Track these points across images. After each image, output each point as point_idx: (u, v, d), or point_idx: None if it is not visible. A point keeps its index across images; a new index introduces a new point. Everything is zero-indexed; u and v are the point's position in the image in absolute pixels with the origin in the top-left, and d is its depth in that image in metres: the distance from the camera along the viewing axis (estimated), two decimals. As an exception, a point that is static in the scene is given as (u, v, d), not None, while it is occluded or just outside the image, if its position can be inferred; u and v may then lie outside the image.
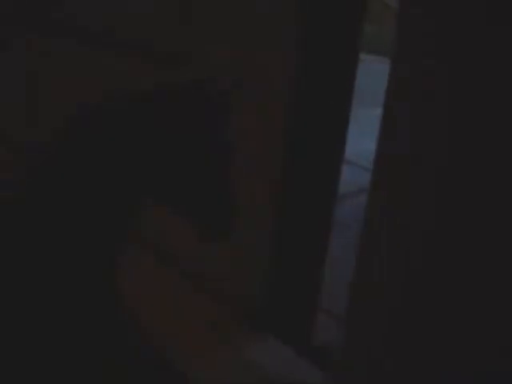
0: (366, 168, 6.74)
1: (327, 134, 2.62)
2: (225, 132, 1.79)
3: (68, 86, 3.60)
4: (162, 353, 2.47)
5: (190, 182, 1.77)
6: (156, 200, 1.83)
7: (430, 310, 2.29)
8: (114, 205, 1.71)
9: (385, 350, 2.35)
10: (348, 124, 2.67)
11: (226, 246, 2.32)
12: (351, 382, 2.44)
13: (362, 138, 8.24)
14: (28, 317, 1.68)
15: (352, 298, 2.48)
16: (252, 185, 2.55)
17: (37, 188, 1.69)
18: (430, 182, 2.23)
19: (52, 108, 3.32)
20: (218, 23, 2.79)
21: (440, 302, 2.26)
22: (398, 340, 2.36)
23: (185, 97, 1.73)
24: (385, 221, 2.37)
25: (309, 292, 2.87)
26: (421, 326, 2.32)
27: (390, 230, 2.35)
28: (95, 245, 1.71)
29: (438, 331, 2.27)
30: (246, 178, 2.45)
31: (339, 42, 2.55)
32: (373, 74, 13.43)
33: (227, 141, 1.80)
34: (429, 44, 2.13)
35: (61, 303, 1.70)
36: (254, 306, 2.73)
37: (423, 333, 2.32)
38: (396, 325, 2.36)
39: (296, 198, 2.62)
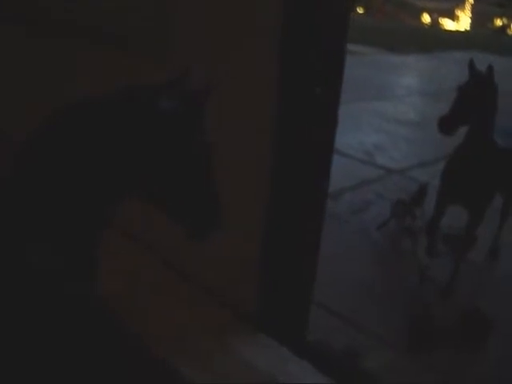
0: (363, 161, 6.74)
1: (316, 128, 2.58)
2: (203, 131, 1.76)
3: (51, 80, 3.57)
4: (153, 352, 2.47)
5: (171, 182, 1.73)
6: (141, 199, 1.81)
7: None
8: (92, 198, 1.69)
9: None
10: (337, 116, 2.63)
11: (217, 246, 2.30)
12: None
13: (359, 131, 8.26)
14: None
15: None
16: (240, 182, 2.53)
17: (17, 180, 1.68)
18: None
19: (37, 100, 3.30)
20: (195, 15, 2.75)
21: None
22: None
23: (159, 96, 1.70)
24: None
25: (303, 289, 2.84)
26: None
27: None
28: (74, 232, 1.70)
29: None
30: (233, 176, 2.43)
31: (327, 33, 2.49)
32: (369, 67, 13.53)
33: (206, 139, 1.77)
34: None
35: (40, 290, 1.68)
36: (247, 305, 2.71)
37: None
38: None
39: (286, 194, 2.59)
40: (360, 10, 33.04)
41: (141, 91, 1.67)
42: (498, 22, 33.07)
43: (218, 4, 2.59)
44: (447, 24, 33.26)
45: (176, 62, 2.33)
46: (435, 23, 32.99)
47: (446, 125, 3.44)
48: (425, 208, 4.58)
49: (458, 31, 29.89)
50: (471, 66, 3.48)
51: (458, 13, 34.16)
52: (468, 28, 32.75)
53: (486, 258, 4.44)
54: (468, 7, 34.06)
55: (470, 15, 34.16)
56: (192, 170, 1.67)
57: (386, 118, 8.84)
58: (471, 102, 3.44)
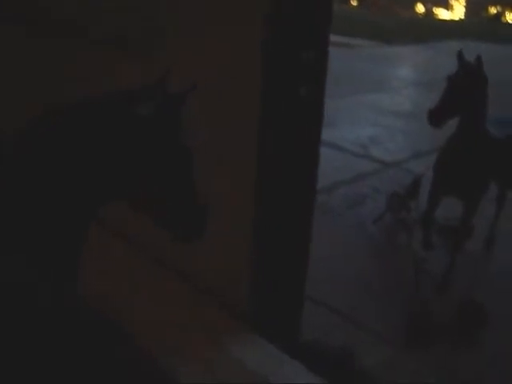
0: (358, 155, 6.72)
1: (301, 125, 2.56)
2: (182, 134, 1.74)
3: (41, 79, 3.55)
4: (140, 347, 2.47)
5: (152, 185, 1.72)
6: (127, 203, 1.80)
7: None
8: (73, 202, 1.68)
9: None
10: (323, 110, 2.61)
11: (209, 247, 2.30)
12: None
13: (354, 124, 8.24)
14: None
15: None
16: (228, 183, 2.52)
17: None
18: None
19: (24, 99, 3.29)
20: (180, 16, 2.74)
21: None
22: None
23: (137, 101, 1.69)
24: None
25: (295, 288, 2.83)
26: None
27: None
28: (55, 236, 1.70)
29: None
30: (222, 177, 2.42)
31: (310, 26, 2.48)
32: (366, 60, 13.50)
33: (186, 142, 1.75)
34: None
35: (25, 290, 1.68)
36: (240, 305, 2.70)
37: None
38: None
39: (274, 193, 2.58)
40: (354, 3, 32.97)
41: (118, 96, 1.66)
42: (493, 10, 32.98)
43: (204, 5, 2.58)
44: (441, 13, 33.18)
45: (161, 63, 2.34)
46: (429, 13, 32.90)
47: (436, 117, 3.41)
48: (420, 200, 4.58)
49: (452, 20, 29.81)
50: (460, 56, 3.46)
51: (452, 2, 34.07)
52: (462, 17, 32.65)
53: (483, 247, 4.43)
54: (462, -4, 33.99)
55: (464, 4, 34.06)
56: (173, 173, 1.66)
57: (382, 111, 8.82)
58: (461, 93, 3.42)
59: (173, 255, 2.79)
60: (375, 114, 8.60)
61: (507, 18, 32.21)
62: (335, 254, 4.15)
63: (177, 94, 1.64)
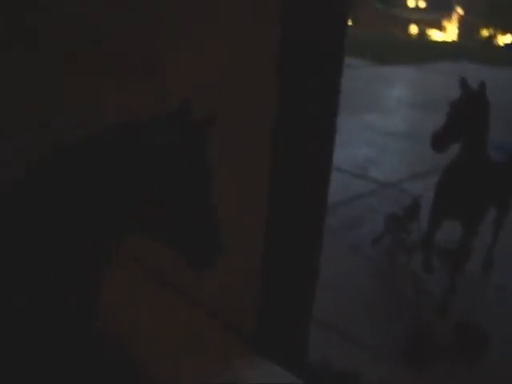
0: (355, 175, 6.77)
1: (315, 145, 2.59)
2: (203, 158, 1.75)
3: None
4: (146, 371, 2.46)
5: (172, 212, 1.72)
6: (142, 233, 1.79)
7: None
8: (92, 236, 1.67)
9: None
10: (335, 131, 2.64)
11: (218, 268, 2.31)
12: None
13: (351, 145, 8.28)
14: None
15: None
16: (239, 209, 2.53)
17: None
18: None
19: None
20: (193, 34, 2.75)
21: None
22: None
23: (156, 132, 1.68)
24: None
25: (303, 311, 2.84)
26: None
27: None
28: (73, 273, 1.69)
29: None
30: (233, 199, 2.43)
31: (324, 48, 2.51)
32: (360, 80, 13.59)
33: (206, 167, 1.71)
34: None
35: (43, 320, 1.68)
36: (248, 327, 2.70)
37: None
38: None
39: (286, 211, 2.59)
40: (348, 22, 33.20)
41: (135, 127, 1.65)
42: (485, 33, 33.35)
43: (217, 32, 2.60)
44: (434, 35, 33.53)
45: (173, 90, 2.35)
46: (423, 34, 33.24)
47: (439, 141, 3.46)
48: (419, 222, 4.61)
49: (445, 42, 30.12)
50: (463, 82, 3.51)
51: (445, 23, 34.44)
52: (455, 39, 33.01)
53: (481, 269, 4.47)
54: (455, 18, 34.34)
55: (457, 25, 34.44)
56: (192, 200, 1.66)
57: (377, 131, 8.88)
58: (464, 119, 3.47)
59: (180, 278, 2.79)
60: (371, 135, 8.65)
61: (499, 41, 32.58)
62: (335, 274, 4.16)
63: (199, 120, 1.64)
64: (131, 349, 2.41)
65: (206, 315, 2.69)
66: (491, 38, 32.49)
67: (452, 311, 3.93)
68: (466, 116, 3.45)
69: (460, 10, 33.91)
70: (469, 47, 24.87)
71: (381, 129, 9.04)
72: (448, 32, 34.27)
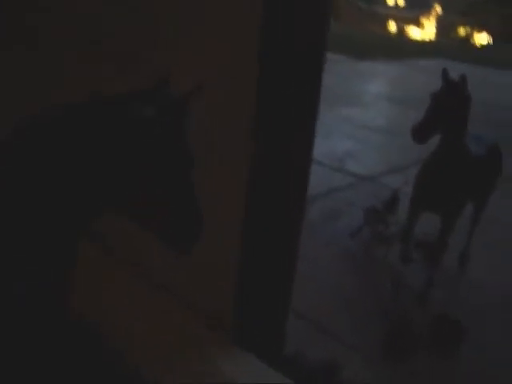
0: (334, 168, 6.75)
1: (295, 136, 2.55)
2: (184, 139, 1.70)
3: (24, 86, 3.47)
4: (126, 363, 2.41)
5: (151, 193, 1.66)
6: (119, 213, 1.73)
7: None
8: (68, 211, 1.61)
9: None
10: (316, 123, 2.61)
11: (194, 258, 2.27)
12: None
13: (329, 138, 8.26)
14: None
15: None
16: (218, 192, 2.48)
17: None
18: None
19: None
20: (179, 24, 2.70)
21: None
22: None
23: (137, 104, 1.63)
24: None
25: (280, 302, 2.81)
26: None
27: None
28: (46, 249, 1.63)
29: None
30: (212, 186, 2.39)
31: (305, 40, 2.48)
32: (339, 75, 13.60)
33: (188, 144, 1.65)
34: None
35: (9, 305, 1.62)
36: (225, 318, 2.67)
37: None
38: None
39: (265, 204, 2.56)
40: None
41: (117, 99, 1.61)
42: (462, 32, 33.64)
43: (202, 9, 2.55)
44: (413, 32, 33.73)
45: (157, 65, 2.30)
46: (401, 31, 33.42)
47: (420, 133, 3.45)
48: (397, 215, 4.61)
49: (423, 40, 30.31)
50: (445, 74, 3.50)
51: (424, 21, 34.68)
52: (433, 37, 33.25)
53: (458, 263, 4.48)
54: (434, 16, 34.59)
55: (436, 24, 34.71)
56: (175, 177, 1.61)
57: (357, 125, 8.89)
58: (445, 110, 3.47)
59: (157, 268, 2.75)
60: (350, 129, 8.65)
61: (475, 40, 32.88)
62: (313, 266, 4.14)
63: (181, 95, 1.59)
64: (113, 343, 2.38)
65: (183, 306, 2.65)
66: (468, 36, 32.76)
67: (429, 304, 3.94)
68: (447, 107, 3.45)
69: (438, 8, 34.15)
70: (446, 45, 25.06)
71: (360, 123, 9.05)
72: (426, 30, 34.50)
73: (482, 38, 33.00)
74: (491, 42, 31.76)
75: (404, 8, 35.21)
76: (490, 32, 31.86)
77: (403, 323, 3.56)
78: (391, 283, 3.97)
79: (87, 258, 2.80)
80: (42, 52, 3.31)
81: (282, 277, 2.71)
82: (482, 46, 30.50)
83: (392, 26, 34.21)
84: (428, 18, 35.18)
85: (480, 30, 32.88)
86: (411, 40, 29.44)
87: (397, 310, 3.74)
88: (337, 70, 14.51)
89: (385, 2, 35.39)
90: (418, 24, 34.77)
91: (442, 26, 34.01)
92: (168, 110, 1.56)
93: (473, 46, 30.89)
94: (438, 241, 3.97)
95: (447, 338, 3.57)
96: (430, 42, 28.73)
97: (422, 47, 23.29)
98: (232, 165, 2.46)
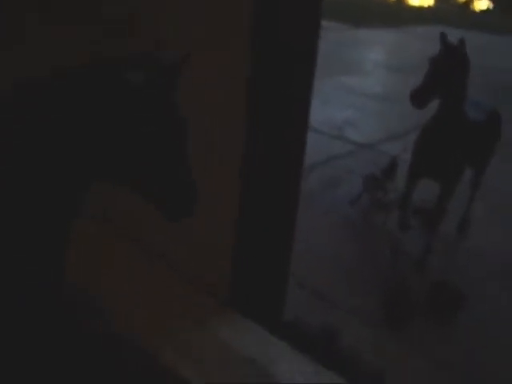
0: (333, 136, 6.72)
1: (290, 105, 2.51)
2: (174, 105, 1.62)
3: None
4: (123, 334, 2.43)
5: (144, 160, 1.63)
6: (113, 181, 1.71)
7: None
8: (57, 182, 1.58)
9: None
10: (311, 92, 2.57)
11: (192, 229, 2.25)
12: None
13: (328, 106, 8.21)
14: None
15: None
16: (214, 162, 2.46)
17: None
18: None
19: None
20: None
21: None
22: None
23: (127, 69, 1.60)
24: None
25: (279, 269, 2.80)
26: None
27: None
28: (40, 223, 1.61)
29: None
30: (208, 156, 2.36)
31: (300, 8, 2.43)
32: (337, 43, 13.48)
33: (179, 116, 1.61)
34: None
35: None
36: (224, 286, 2.67)
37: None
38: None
39: (261, 172, 2.53)
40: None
41: (108, 63, 1.57)
42: (462, -3, 33.29)
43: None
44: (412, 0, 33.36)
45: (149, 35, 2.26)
46: (400, -2, 33.07)
47: (418, 98, 3.40)
48: (396, 182, 4.60)
49: (422, 7, 29.99)
50: (443, 38, 3.45)
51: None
52: (431, 3, 32.87)
53: (457, 229, 4.48)
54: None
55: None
56: (165, 146, 1.58)
57: (355, 93, 8.84)
58: (443, 75, 3.42)
59: (156, 240, 2.74)
60: (348, 96, 8.61)
61: (475, 6, 32.53)
62: (313, 234, 4.14)
63: (170, 63, 1.56)
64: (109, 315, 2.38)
65: (180, 275, 2.65)
66: (468, 2, 32.42)
67: (427, 271, 3.95)
68: (445, 71, 3.40)
69: (437, -26, 33.74)
70: (445, 11, 24.81)
71: (359, 91, 9.00)
72: (425, -4, 34.13)
73: (481, 4, 32.65)
74: (491, 7, 31.43)
75: (403, -26, 34.74)
76: (489, -3, 31.52)
77: (401, 290, 3.57)
78: (390, 250, 3.98)
79: (87, 233, 2.85)
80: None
81: (280, 243, 2.70)
82: (482, 12, 30.20)
83: (390, -7, 33.81)
84: (427, -17, 34.74)
85: (480, -5, 32.54)
86: (410, 6, 29.14)
87: (395, 277, 3.75)
88: (334, 37, 14.39)
89: (383, -31, 34.91)
90: (417, -10, 34.35)
91: (442, -8, 33.62)
92: (157, 76, 1.53)
93: (472, 11, 30.59)
94: (437, 207, 3.96)
95: (445, 305, 3.58)
96: (429, 9, 28.42)
97: (420, 14, 23.07)
98: (227, 137, 2.44)
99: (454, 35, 3.59)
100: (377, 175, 4.67)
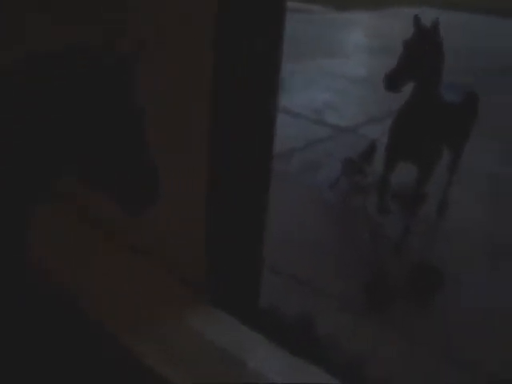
0: (313, 120, 6.69)
1: (258, 86, 2.48)
2: (133, 95, 1.63)
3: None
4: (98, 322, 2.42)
5: (103, 151, 1.61)
6: (76, 175, 1.69)
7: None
8: (21, 169, 1.56)
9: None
10: (279, 73, 2.53)
11: (164, 216, 2.23)
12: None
13: (308, 89, 8.18)
14: None
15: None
16: (180, 149, 2.44)
17: None
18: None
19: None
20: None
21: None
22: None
23: (90, 60, 1.57)
24: None
25: (252, 255, 2.79)
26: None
27: None
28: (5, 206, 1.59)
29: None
30: (173, 143, 2.34)
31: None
32: (317, 26, 13.39)
33: (137, 104, 1.60)
34: None
35: None
36: (197, 275, 2.66)
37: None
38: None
39: (229, 156, 2.51)
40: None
41: (73, 54, 1.55)
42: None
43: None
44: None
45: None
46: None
47: (392, 81, 3.39)
48: (375, 165, 4.60)
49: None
50: (416, 21, 3.43)
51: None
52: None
53: (436, 212, 4.49)
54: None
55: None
56: (125, 134, 1.56)
57: (336, 76, 8.80)
58: (416, 57, 3.41)
59: (126, 228, 2.72)
60: (329, 80, 8.57)
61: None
62: (291, 219, 4.14)
63: (127, 53, 1.54)
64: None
65: (153, 265, 2.64)
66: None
67: (408, 253, 3.96)
68: (419, 54, 3.38)
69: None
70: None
71: (339, 74, 8.95)
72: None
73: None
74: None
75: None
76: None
77: (381, 274, 3.58)
78: (369, 234, 3.99)
79: (60, 219, 2.82)
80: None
81: (252, 227, 2.69)
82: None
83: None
84: (409, -36, 34.51)
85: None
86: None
87: (375, 260, 3.75)
88: (315, 20, 14.29)
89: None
90: (400, -29, 34.12)
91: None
92: (116, 66, 1.52)
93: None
94: (415, 191, 3.97)
95: (425, 286, 3.60)
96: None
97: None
98: (192, 116, 2.41)
99: (437, 16, 3.56)
100: (355, 159, 4.66)
